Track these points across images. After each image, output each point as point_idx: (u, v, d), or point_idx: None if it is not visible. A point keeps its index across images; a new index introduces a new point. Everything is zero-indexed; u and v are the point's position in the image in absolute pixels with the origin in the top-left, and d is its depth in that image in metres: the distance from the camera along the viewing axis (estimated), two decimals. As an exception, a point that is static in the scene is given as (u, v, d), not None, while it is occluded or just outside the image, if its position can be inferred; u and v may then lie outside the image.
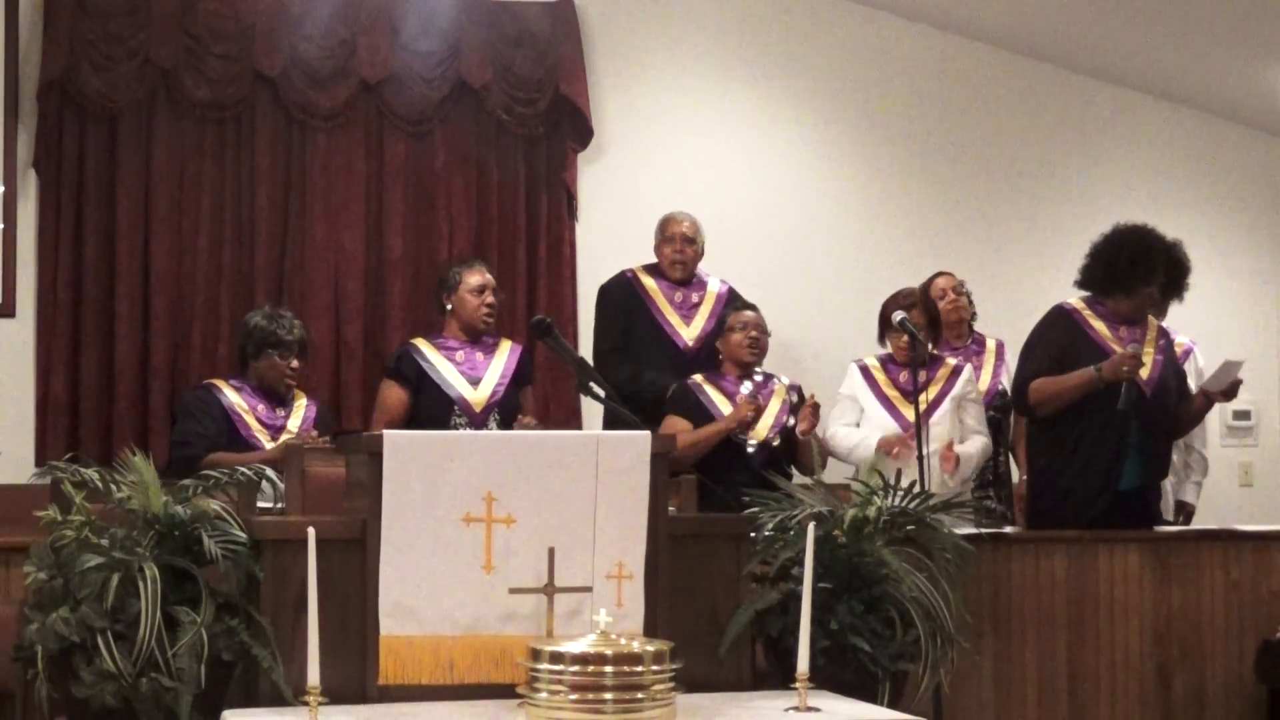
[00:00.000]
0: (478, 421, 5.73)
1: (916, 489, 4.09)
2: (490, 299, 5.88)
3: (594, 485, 3.43)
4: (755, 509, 3.93)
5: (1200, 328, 7.64)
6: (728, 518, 3.98)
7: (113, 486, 3.49)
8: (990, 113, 7.74)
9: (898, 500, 4.00)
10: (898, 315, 5.51)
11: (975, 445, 5.72)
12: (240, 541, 3.42)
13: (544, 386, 6.80)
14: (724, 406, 5.70)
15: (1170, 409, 5.62)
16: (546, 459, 3.43)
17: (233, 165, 6.79)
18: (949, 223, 7.59)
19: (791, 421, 5.68)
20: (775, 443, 5.66)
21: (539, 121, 7.09)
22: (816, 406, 5.60)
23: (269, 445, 5.66)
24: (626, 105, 7.31)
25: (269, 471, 3.81)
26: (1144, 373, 5.53)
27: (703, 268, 6.43)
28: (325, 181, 6.85)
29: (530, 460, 3.42)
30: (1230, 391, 5.65)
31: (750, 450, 5.63)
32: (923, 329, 5.55)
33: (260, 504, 4.33)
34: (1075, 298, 5.71)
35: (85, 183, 6.62)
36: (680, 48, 7.40)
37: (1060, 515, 5.48)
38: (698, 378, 5.82)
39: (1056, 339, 5.63)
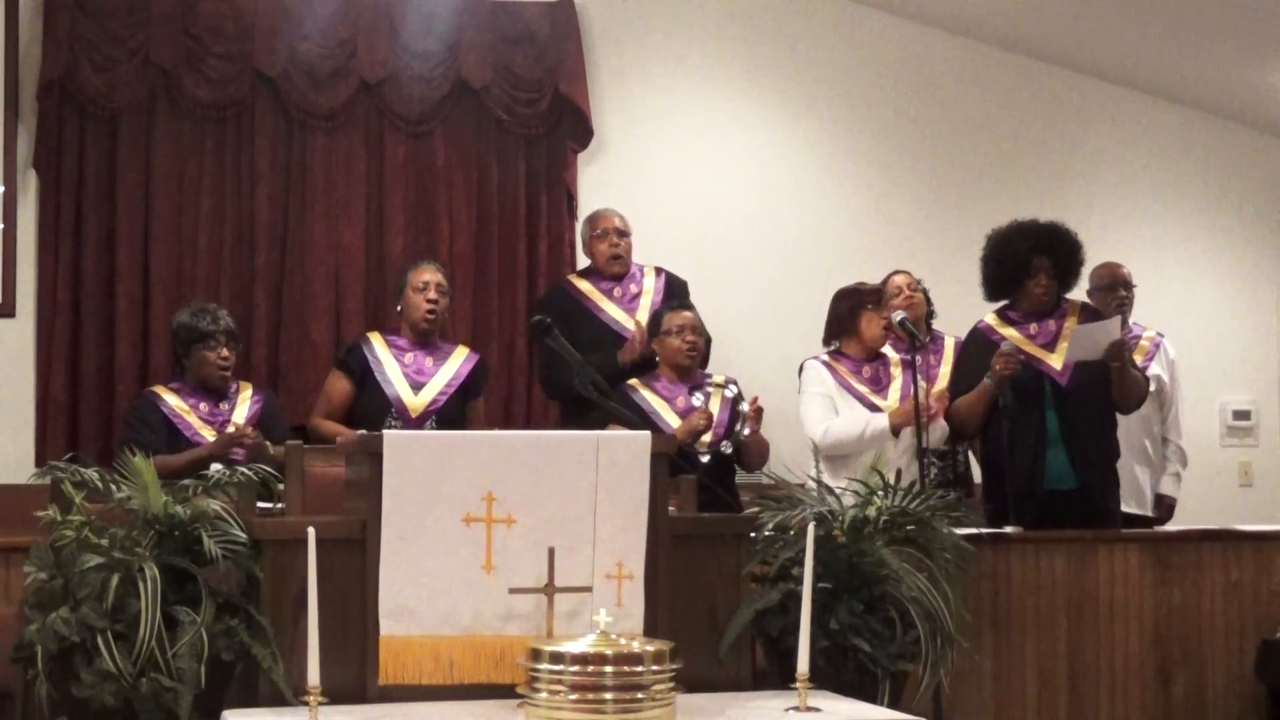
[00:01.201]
0: (412, 427, 5.67)
1: (916, 489, 4.10)
2: (433, 295, 5.83)
3: (594, 485, 3.43)
4: (755, 509, 3.93)
5: (1199, 327, 7.67)
6: (728, 518, 3.99)
7: (113, 486, 3.49)
8: (989, 112, 7.74)
9: (898, 500, 4.00)
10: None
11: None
12: (240, 541, 3.42)
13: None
14: (660, 409, 5.64)
15: (1094, 394, 5.57)
16: (546, 459, 3.42)
17: (233, 165, 6.79)
18: (949, 221, 7.58)
19: (738, 426, 5.64)
20: (727, 449, 5.62)
21: (539, 121, 7.09)
22: (760, 410, 5.57)
23: (213, 440, 5.65)
24: (626, 105, 7.31)
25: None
26: (1056, 363, 5.53)
27: (634, 260, 6.41)
28: (325, 181, 6.85)
29: (530, 460, 3.42)
30: (1113, 354, 5.46)
31: (704, 459, 5.56)
32: (889, 326, 5.66)
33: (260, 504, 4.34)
34: (989, 313, 5.77)
35: (85, 183, 6.62)
36: (680, 48, 7.40)
37: (1005, 517, 5.48)
38: (633, 381, 5.76)
39: (969, 359, 5.74)
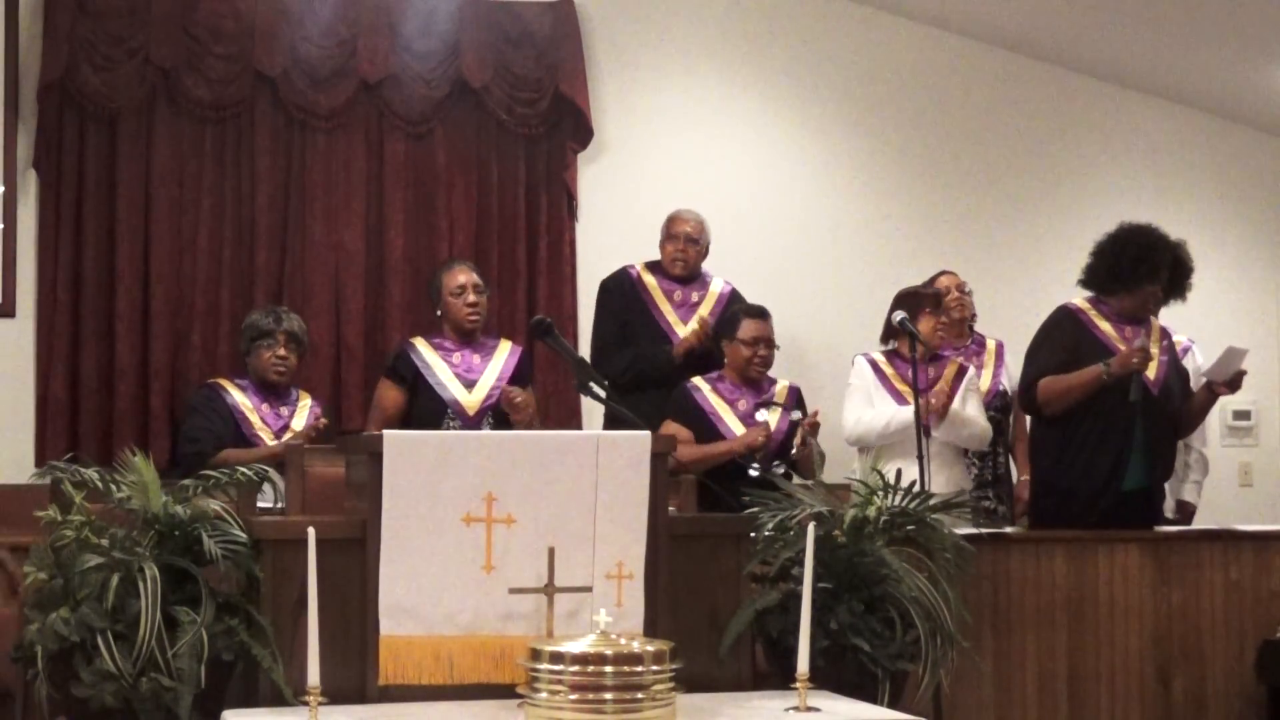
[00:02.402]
0: (471, 425, 5.68)
1: (916, 489, 4.10)
2: (472, 298, 5.79)
3: (594, 485, 3.43)
4: (755, 509, 3.93)
5: (1200, 327, 7.64)
6: (728, 518, 3.98)
7: (113, 486, 3.49)
8: (990, 112, 7.74)
9: (898, 500, 4.00)
10: (898, 316, 5.55)
11: (972, 416, 5.76)
12: (240, 541, 3.42)
13: (544, 386, 6.80)
14: (723, 412, 5.64)
15: (1175, 408, 5.62)
16: (546, 459, 3.43)
17: (233, 165, 6.79)
18: (948, 222, 7.59)
19: (794, 435, 5.64)
20: (779, 468, 5.59)
21: (539, 121, 7.09)
22: (817, 426, 5.55)
23: (272, 443, 5.67)
24: (626, 105, 7.31)
25: (271, 472, 3.81)
26: (1150, 372, 5.52)
27: (708, 267, 6.42)
28: (325, 181, 6.85)
29: (530, 460, 3.42)
30: (1235, 382, 5.60)
31: (753, 473, 5.52)
32: (944, 329, 5.78)
33: (260, 504, 4.34)
34: (1079, 298, 5.71)
35: (85, 183, 6.62)
36: (681, 48, 7.40)
37: (1063, 515, 5.48)
38: (698, 381, 5.74)
39: (1063, 339, 5.62)
